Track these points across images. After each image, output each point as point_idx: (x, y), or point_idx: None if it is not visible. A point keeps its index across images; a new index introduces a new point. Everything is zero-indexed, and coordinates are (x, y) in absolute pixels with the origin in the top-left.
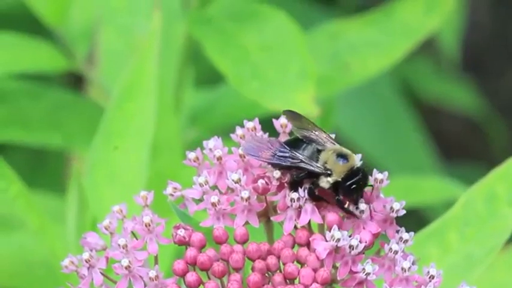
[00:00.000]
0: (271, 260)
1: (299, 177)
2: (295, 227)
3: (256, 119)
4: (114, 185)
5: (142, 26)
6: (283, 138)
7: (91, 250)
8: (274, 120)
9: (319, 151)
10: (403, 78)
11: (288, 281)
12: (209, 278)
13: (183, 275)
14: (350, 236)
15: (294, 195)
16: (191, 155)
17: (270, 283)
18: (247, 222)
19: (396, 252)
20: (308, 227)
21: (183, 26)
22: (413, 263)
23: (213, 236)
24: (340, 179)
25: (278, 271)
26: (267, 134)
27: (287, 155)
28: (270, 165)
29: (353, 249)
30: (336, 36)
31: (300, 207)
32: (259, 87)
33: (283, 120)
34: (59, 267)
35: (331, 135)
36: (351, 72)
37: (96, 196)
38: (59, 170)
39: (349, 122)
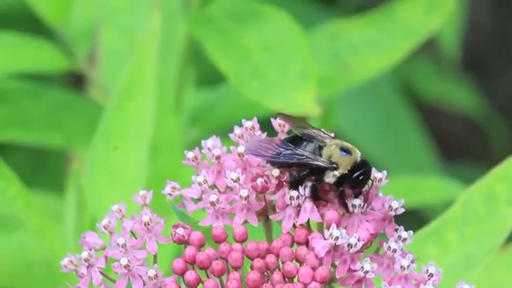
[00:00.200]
0: (270, 258)
1: (300, 176)
2: (294, 226)
3: (255, 118)
4: (113, 185)
5: (143, 26)
6: (282, 137)
7: (90, 249)
8: (272, 120)
9: (320, 147)
10: (403, 78)
11: (287, 279)
12: (208, 277)
13: (182, 273)
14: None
15: (294, 193)
16: (190, 154)
17: (269, 282)
18: (246, 221)
19: (395, 250)
20: (307, 225)
21: (184, 25)
22: (412, 261)
23: (212, 235)
24: (346, 172)
25: (277, 270)
26: (266, 133)
27: (292, 152)
28: (270, 164)
29: (351, 247)
30: (336, 36)
31: (299, 205)
32: (260, 87)
33: (280, 119)
34: (59, 267)
35: (329, 133)
36: (351, 73)
37: (96, 196)
38: (60, 169)
39: (350, 122)
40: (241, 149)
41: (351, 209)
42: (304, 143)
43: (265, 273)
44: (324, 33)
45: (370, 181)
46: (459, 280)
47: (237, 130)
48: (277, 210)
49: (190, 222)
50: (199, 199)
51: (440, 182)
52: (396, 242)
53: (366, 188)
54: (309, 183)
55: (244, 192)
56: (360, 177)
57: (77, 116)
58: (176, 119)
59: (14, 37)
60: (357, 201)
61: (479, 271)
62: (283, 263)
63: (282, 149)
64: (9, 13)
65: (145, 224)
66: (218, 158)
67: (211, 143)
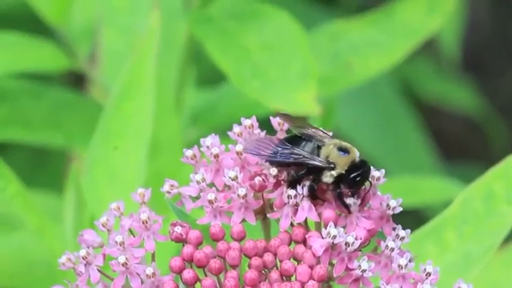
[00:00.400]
0: (268, 257)
1: (298, 175)
2: (292, 224)
3: (254, 117)
4: (112, 184)
5: (143, 25)
6: (281, 136)
7: (88, 247)
8: (271, 118)
9: (318, 147)
10: (404, 78)
11: (284, 278)
12: (206, 275)
13: (179, 272)
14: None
15: (291, 192)
16: (188, 152)
17: (267, 280)
18: (244, 220)
19: (392, 249)
20: (304, 224)
21: (185, 25)
22: (409, 260)
23: (209, 233)
24: (344, 172)
25: (275, 268)
26: (265, 131)
27: (289, 151)
28: (268, 163)
29: (349, 246)
30: (337, 36)
31: (297, 204)
32: (261, 86)
33: (280, 118)
34: (58, 266)
35: (328, 132)
36: (352, 72)
37: (95, 195)
38: (60, 169)
39: (350, 121)
40: (239, 147)
41: (347, 209)
42: (303, 143)
43: (263, 271)
44: (325, 33)
45: (368, 182)
46: (458, 279)
47: (236, 128)
48: (275, 209)
49: (188, 220)
50: (198, 197)
51: (440, 182)
52: (394, 240)
53: (365, 187)
54: (307, 183)
55: (242, 191)
56: (357, 178)
57: (78, 116)
58: (177, 118)
59: (14, 37)
60: (353, 200)
61: (478, 270)
62: (280, 261)
63: (279, 148)
64: (9, 13)
65: (143, 222)
66: (216, 156)
67: (210, 141)
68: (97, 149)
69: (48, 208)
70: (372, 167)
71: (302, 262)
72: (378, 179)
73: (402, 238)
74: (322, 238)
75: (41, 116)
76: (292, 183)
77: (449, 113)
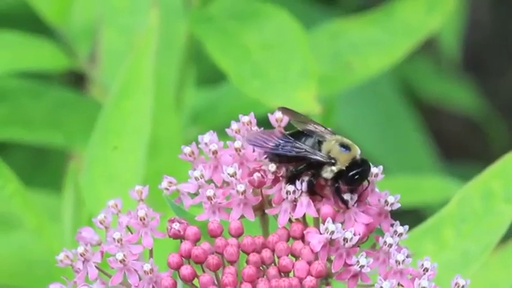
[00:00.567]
0: (266, 253)
1: (298, 170)
2: (290, 220)
3: (252, 113)
4: (111, 183)
5: (144, 25)
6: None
7: (86, 244)
8: (269, 115)
9: (319, 142)
10: (404, 77)
11: (282, 274)
12: (204, 271)
13: (177, 268)
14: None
15: (290, 187)
16: (187, 149)
17: (265, 276)
18: (242, 216)
19: (390, 245)
20: (303, 220)
21: (185, 25)
22: (407, 256)
23: (207, 230)
24: (344, 168)
25: (273, 264)
26: (262, 128)
27: (292, 145)
28: (267, 158)
29: (347, 241)
30: (337, 35)
31: (296, 200)
32: (261, 85)
33: (278, 114)
34: None
35: (329, 128)
36: (352, 72)
37: (93, 194)
38: (60, 169)
39: (350, 121)
40: (238, 143)
41: (345, 204)
42: (304, 138)
43: (261, 267)
44: (325, 32)
45: (366, 181)
46: (455, 275)
47: (234, 125)
48: (274, 205)
49: (186, 217)
50: (196, 194)
51: (440, 181)
52: (392, 236)
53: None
54: (306, 178)
55: (241, 187)
56: (356, 176)
57: (78, 115)
58: (177, 117)
59: (15, 36)
60: (351, 196)
61: (476, 268)
62: (278, 257)
63: (281, 142)
64: (10, 13)
65: (141, 219)
66: (215, 152)
67: (208, 137)
68: (95, 147)
69: (48, 207)
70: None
71: (300, 258)
72: (376, 175)
73: (400, 234)
74: (320, 234)
75: (41, 116)
76: (291, 179)
77: (449, 113)
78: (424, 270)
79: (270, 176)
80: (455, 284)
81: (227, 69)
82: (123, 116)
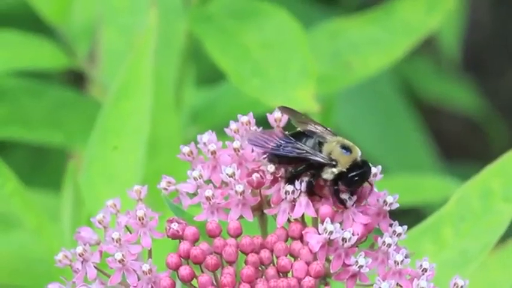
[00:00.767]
0: (265, 253)
1: (297, 171)
2: (289, 220)
3: (251, 113)
4: (110, 183)
5: (143, 25)
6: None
7: (85, 244)
8: (268, 115)
9: (320, 143)
10: (404, 77)
11: (281, 274)
12: (202, 271)
13: (176, 268)
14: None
15: (289, 187)
16: (185, 149)
17: (263, 276)
18: (241, 216)
19: (389, 245)
20: (301, 220)
21: (184, 24)
22: (406, 257)
23: (206, 230)
24: (345, 170)
25: (271, 264)
26: (261, 128)
27: (292, 145)
28: (267, 158)
29: (346, 241)
30: (336, 34)
31: (295, 200)
32: (260, 84)
33: (277, 114)
34: None
35: (330, 129)
36: (351, 71)
37: (93, 194)
38: (60, 168)
39: (350, 120)
40: (236, 144)
41: (343, 205)
42: (304, 138)
43: (260, 268)
44: (324, 32)
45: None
46: (454, 275)
47: (233, 125)
48: (272, 206)
49: (185, 217)
50: (195, 194)
51: (440, 181)
52: (391, 236)
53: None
54: (305, 178)
55: (239, 188)
56: (356, 178)
57: (77, 115)
58: (176, 117)
59: (14, 35)
60: (349, 196)
61: (475, 267)
62: (277, 257)
63: (282, 142)
64: (9, 12)
65: (139, 219)
66: (213, 153)
67: (207, 137)
68: (95, 147)
69: (47, 207)
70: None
71: (299, 258)
72: (375, 175)
73: (399, 234)
74: (319, 234)
75: (40, 115)
76: (291, 179)
77: (449, 113)
78: (422, 270)
79: (269, 177)
80: (454, 285)
81: (226, 68)
82: (123, 116)
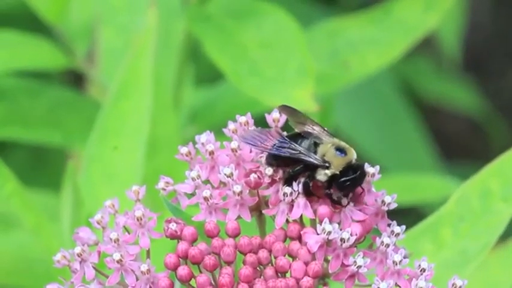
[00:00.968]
0: (263, 253)
1: (295, 172)
2: (287, 221)
3: (249, 114)
4: (109, 183)
5: (142, 24)
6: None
7: (83, 245)
8: (266, 115)
9: (316, 144)
10: (404, 77)
11: (279, 274)
12: (201, 272)
13: (174, 268)
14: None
15: (287, 189)
16: (183, 149)
17: (262, 277)
18: (239, 217)
19: (388, 245)
20: (300, 220)
21: (183, 23)
22: (404, 257)
23: (204, 230)
24: (338, 172)
25: (270, 264)
26: (259, 128)
27: (286, 146)
28: (264, 159)
29: (344, 242)
30: (335, 33)
31: (293, 201)
32: (259, 84)
33: (275, 114)
34: None
35: (328, 129)
36: (350, 70)
37: (92, 193)
38: (59, 168)
39: (349, 120)
40: (234, 144)
41: (340, 203)
42: (300, 139)
43: (258, 268)
44: (323, 31)
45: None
46: (453, 276)
47: (231, 125)
48: (270, 206)
49: (183, 217)
50: (193, 194)
51: (440, 180)
52: (389, 236)
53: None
54: (302, 179)
55: (237, 188)
56: (347, 183)
57: (76, 114)
58: (175, 116)
59: (13, 35)
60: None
61: (474, 267)
62: (275, 258)
63: (277, 142)
64: (8, 13)
65: (137, 219)
66: (211, 153)
67: (205, 138)
68: (94, 147)
69: (47, 207)
70: (367, 164)
71: (297, 258)
72: (373, 175)
73: (397, 234)
74: (317, 234)
75: (39, 115)
76: (288, 180)
77: (449, 113)
78: (421, 270)
79: (267, 179)
80: (453, 285)
81: (225, 68)
82: (122, 116)
